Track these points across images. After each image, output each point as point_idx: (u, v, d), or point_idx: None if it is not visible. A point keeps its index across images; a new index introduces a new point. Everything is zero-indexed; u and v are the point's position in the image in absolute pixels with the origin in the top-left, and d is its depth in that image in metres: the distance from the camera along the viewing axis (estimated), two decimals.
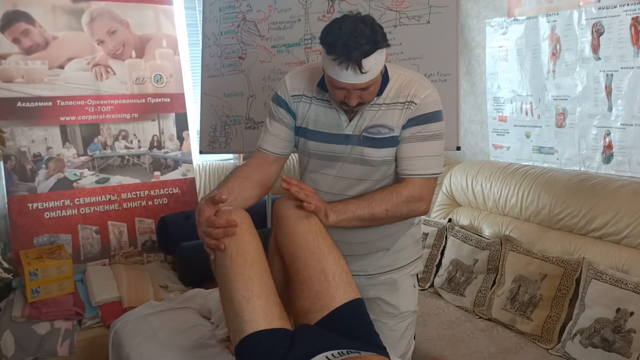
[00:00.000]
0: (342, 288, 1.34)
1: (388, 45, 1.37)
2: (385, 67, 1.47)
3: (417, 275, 1.78)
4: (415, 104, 1.47)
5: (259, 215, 3.11)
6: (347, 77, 1.35)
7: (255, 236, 1.36)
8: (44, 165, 2.85)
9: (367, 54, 1.32)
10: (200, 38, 3.11)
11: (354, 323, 1.33)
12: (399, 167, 1.52)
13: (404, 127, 1.48)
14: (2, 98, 2.76)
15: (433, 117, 1.48)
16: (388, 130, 1.48)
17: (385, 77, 1.47)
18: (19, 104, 2.80)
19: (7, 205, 2.80)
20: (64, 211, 2.87)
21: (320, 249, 1.36)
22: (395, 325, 1.69)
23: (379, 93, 1.48)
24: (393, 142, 1.50)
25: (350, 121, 1.51)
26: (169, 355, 1.69)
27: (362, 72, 1.33)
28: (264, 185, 1.58)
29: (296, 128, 1.59)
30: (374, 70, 1.36)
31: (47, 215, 2.83)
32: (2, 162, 2.77)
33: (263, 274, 1.31)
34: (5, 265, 2.36)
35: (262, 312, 1.25)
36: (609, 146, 2.49)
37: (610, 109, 2.45)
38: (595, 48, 2.46)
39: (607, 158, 2.50)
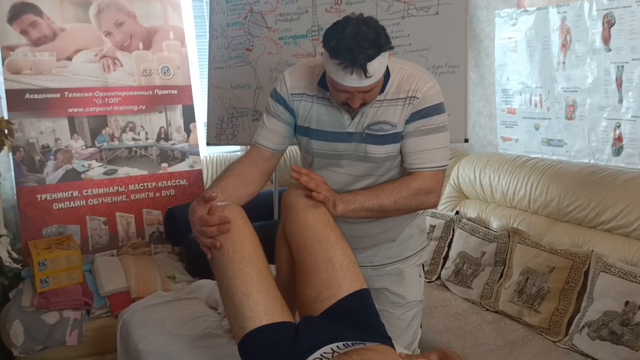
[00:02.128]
0: (349, 278, 1.33)
1: (391, 48, 1.36)
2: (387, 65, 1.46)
3: (423, 265, 1.78)
4: (417, 98, 1.46)
5: (266, 207, 3.11)
6: (351, 81, 1.34)
7: (251, 230, 1.35)
8: (52, 157, 2.86)
9: (371, 57, 1.31)
10: (207, 30, 3.10)
11: (360, 313, 1.33)
12: (407, 162, 1.51)
13: (408, 121, 1.47)
14: (10, 89, 2.77)
15: (436, 109, 1.47)
16: (390, 127, 1.47)
17: (386, 74, 1.46)
18: (28, 95, 2.81)
19: (16, 196, 2.82)
20: (72, 202, 2.89)
21: (329, 238, 1.36)
22: (402, 315, 1.70)
23: (381, 90, 1.46)
24: (396, 138, 1.49)
25: (352, 119, 1.50)
26: (177, 345, 1.71)
27: (366, 76, 1.32)
28: (258, 182, 1.56)
29: (298, 127, 1.58)
30: (378, 73, 1.36)
31: (55, 206, 2.85)
32: (11, 154, 2.78)
33: (262, 268, 1.30)
34: (15, 255, 2.38)
35: (263, 308, 1.24)
36: (619, 138, 2.46)
37: (620, 101, 2.43)
38: (606, 39, 2.44)
39: (617, 150, 2.48)
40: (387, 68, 1.46)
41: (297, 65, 1.59)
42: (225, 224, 1.30)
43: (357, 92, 1.38)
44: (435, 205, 1.54)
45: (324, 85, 1.49)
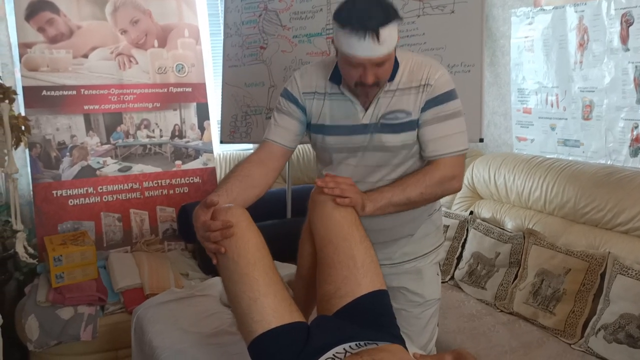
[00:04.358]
0: (369, 277, 1.33)
1: (401, 19, 1.38)
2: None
3: (440, 264, 1.79)
4: (431, 85, 1.48)
5: (279, 205, 3.11)
6: (364, 50, 1.34)
7: (255, 232, 1.33)
8: (68, 153, 2.88)
9: (383, 23, 1.32)
10: (222, 28, 3.11)
11: (376, 313, 1.32)
12: (427, 150, 1.52)
13: (423, 109, 1.49)
14: (27, 86, 2.80)
15: (450, 95, 1.50)
16: (405, 115, 1.49)
17: (395, 63, 1.48)
18: (44, 92, 2.83)
19: (32, 192, 2.85)
20: (87, 199, 2.91)
21: (353, 236, 1.36)
22: (420, 314, 1.71)
23: (391, 78, 1.48)
24: (411, 126, 1.50)
25: (366, 111, 1.51)
26: (190, 342, 1.71)
27: (379, 42, 1.33)
28: (266, 182, 1.55)
29: (313, 126, 1.59)
30: (389, 43, 1.36)
31: (71, 202, 2.87)
32: (27, 150, 2.81)
33: (268, 270, 1.29)
34: (30, 251, 2.39)
35: (271, 311, 1.23)
36: (636, 139, 2.43)
37: (638, 101, 2.39)
38: (624, 39, 2.40)
39: (635, 151, 2.44)
40: (396, 58, 1.48)
41: (307, 66, 1.62)
42: (228, 228, 1.29)
43: (369, 65, 1.38)
44: (459, 189, 1.57)
45: (335, 79, 1.51)
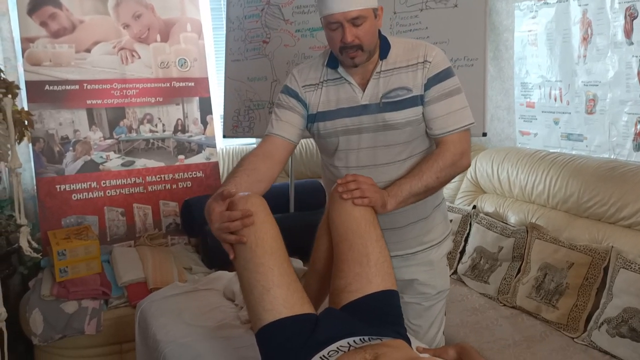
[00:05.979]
0: (381, 276, 1.33)
1: None
2: (385, 36, 1.56)
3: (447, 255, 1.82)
4: (429, 62, 1.52)
5: (282, 199, 3.12)
6: (338, 4, 1.40)
7: (273, 223, 1.33)
8: (71, 148, 2.89)
9: None
10: (225, 22, 3.11)
11: (383, 311, 1.33)
12: (434, 128, 1.55)
13: (427, 87, 1.52)
14: (30, 81, 2.80)
15: (449, 72, 1.54)
16: (406, 92, 1.53)
17: (385, 42, 1.55)
18: (47, 87, 2.83)
19: (35, 187, 2.86)
20: (90, 193, 2.92)
21: (370, 235, 1.36)
22: (432, 307, 1.73)
23: (384, 56, 1.53)
24: (414, 102, 1.53)
25: (364, 92, 1.55)
26: (194, 335, 1.72)
27: None
28: (271, 176, 1.55)
29: (318, 114, 1.60)
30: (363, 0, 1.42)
31: (74, 196, 2.88)
32: (30, 145, 2.81)
33: (283, 261, 1.29)
34: (34, 245, 2.40)
35: (282, 301, 1.24)
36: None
37: None
38: (628, 32, 2.39)
39: (638, 145, 2.44)
40: (387, 39, 1.55)
41: (303, 63, 1.67)
42: (248, 217, 1.28)
43: (346, 23, 1.42)
44: (468, 166, 1.59)
45: (332, 64, 1.56)
